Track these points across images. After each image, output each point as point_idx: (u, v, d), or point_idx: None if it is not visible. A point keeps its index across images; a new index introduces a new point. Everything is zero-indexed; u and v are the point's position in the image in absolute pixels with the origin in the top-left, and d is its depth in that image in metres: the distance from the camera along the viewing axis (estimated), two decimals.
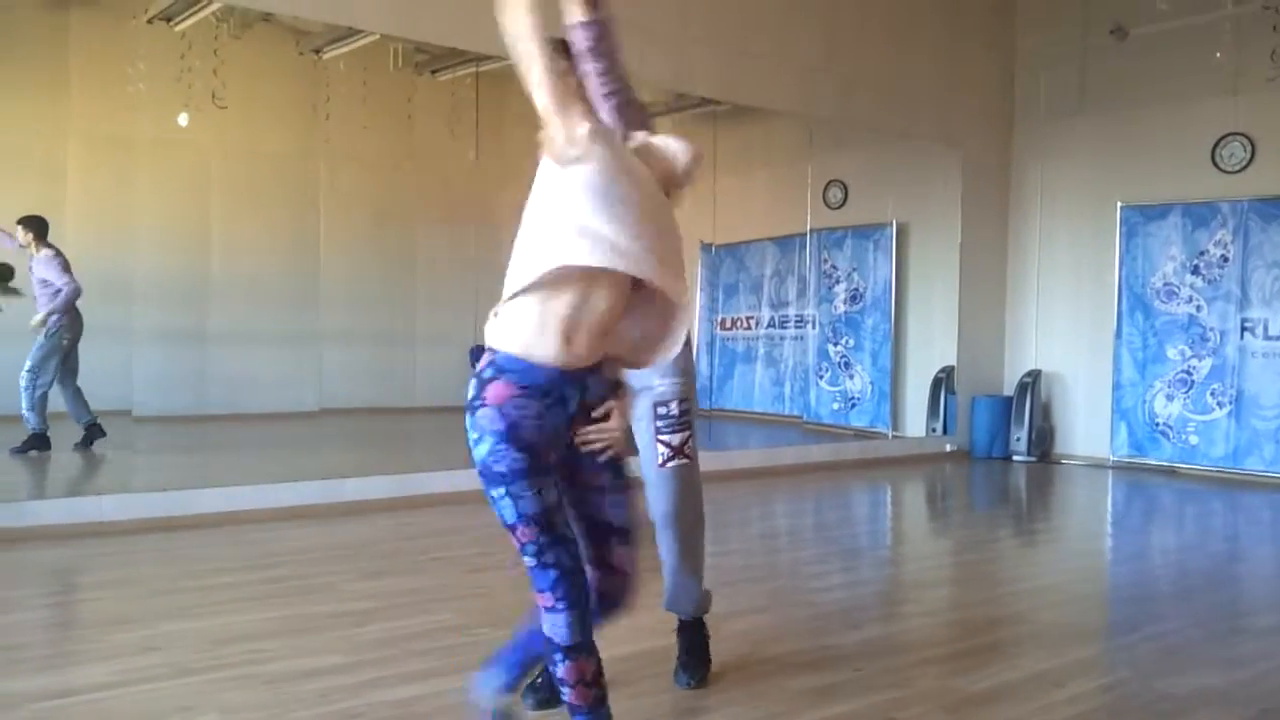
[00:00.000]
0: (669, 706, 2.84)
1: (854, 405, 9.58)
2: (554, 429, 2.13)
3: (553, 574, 2.12)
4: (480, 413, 2.08)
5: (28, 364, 6.70)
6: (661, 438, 2.88)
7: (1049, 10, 9.18)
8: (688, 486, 2.92)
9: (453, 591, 4.11)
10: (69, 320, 6.83)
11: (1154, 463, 8.34)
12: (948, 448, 9.07)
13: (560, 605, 2.13)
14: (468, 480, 6.41)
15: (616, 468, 2.28)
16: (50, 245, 6.87)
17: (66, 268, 6.83)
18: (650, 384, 2.85)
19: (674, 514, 2.91)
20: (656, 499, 2.91)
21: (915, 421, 9.32)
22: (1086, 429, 8.88)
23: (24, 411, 6.68)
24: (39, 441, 6.70)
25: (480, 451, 2.09)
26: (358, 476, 6.01)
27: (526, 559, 2.14)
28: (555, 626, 2.14)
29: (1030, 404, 8.86)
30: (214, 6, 7.47)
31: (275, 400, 8.82)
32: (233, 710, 2.75)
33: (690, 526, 2.95)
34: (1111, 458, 8.57)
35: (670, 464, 2.88)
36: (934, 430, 9.13)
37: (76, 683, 2.94)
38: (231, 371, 8.67)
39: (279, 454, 7.64)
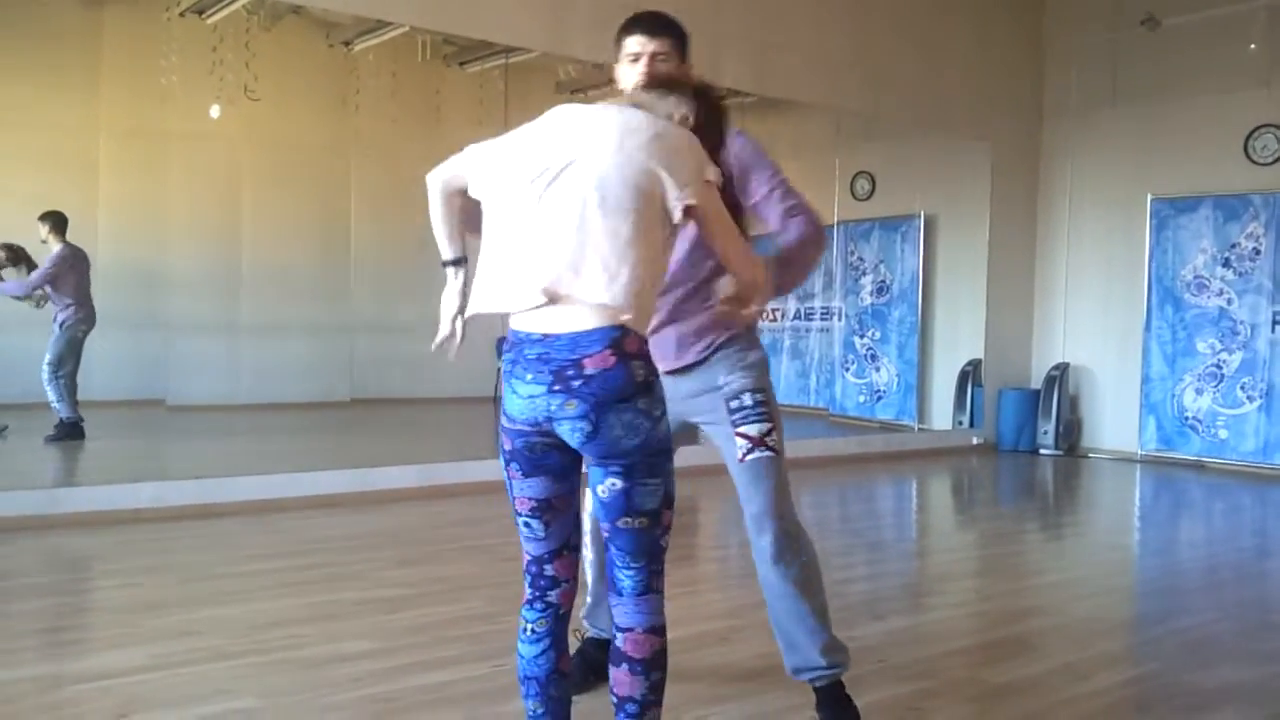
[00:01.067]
0: (688, 695, 2.87)
1: (880, 398, 9.57)
2: None
3: None
4: (657, 386, 2.02)
5: (47, 357, 6.79)
6: (739, 430, 2.59)
7: (1080, 1, 9.11)
8: (778, 484, 2.58)
9: (483, 579, 4.15)
10: (84, 314, 6.91)
11: (1183, 457, 8.29)
12: (974, 440, 9.04)
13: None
14: (496, 470, 6.48)
15: None
16: (67, 242, 6.91)
17: (56, 264, 6.80)
18: (716, 384, 2.62)
19: (765, 514, 2.57)
20: (744, 501, 2.60)
21: (942, 414, 9.30)
22: (1114, 422, 8.83)
23: (53, 404, 6.80)
24: (72, 429, 6.82)
25: (663, 426, 2.01)
26: (389, 466, 6.07)
27: (667, 539, 2.07)
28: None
29: (1058, 397, 8.82)
30: None
31: (307, 390, 8.90)
32: (269, 694, 2.81)
33: (786, 545, 2.58)
34: (1140, 451, 8.52)
35: (750, 456, 2.56)
36: (960, 423, 9.11)
37: (115, 665, 3.00)
38: (264, 361, 8.77)
39: (311, 443, 7.72)
